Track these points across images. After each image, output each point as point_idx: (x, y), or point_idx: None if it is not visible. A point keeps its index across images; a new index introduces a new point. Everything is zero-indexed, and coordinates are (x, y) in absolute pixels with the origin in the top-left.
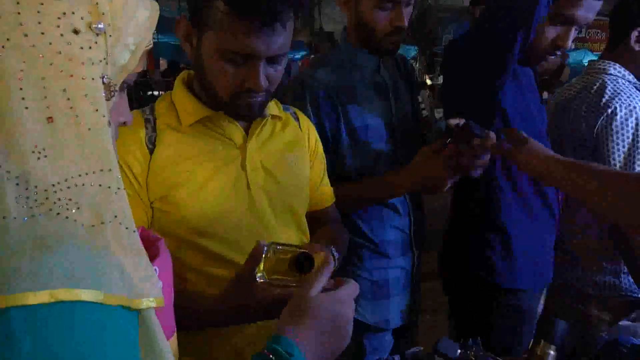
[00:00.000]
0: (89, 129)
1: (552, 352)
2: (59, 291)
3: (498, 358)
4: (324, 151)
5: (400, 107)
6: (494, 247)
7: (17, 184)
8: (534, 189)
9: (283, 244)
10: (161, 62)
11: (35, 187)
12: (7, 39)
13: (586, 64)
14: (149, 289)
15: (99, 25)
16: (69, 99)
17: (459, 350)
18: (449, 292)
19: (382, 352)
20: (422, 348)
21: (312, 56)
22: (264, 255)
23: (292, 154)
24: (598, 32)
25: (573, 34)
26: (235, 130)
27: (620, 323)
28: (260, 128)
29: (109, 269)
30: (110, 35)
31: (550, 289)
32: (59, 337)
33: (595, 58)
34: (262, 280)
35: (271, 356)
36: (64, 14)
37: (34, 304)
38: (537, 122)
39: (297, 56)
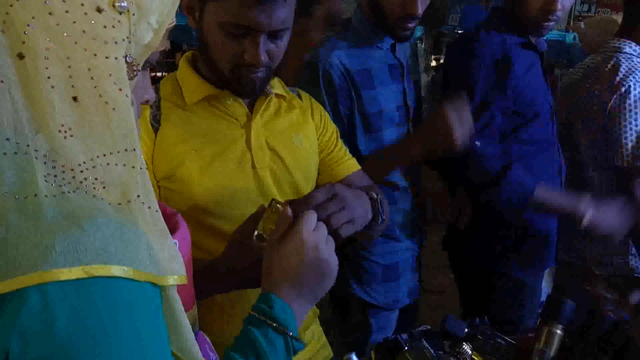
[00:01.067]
0: (114, 109)
1: (558, 332)
2: (92, 267)
3: (505, 337)
4: (338, 136)
5: (411, 89)
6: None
7: (45, 163)
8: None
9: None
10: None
11: (63, 166)
12: (33, 17)
13: None
14: (174, 266)
15: (122, 4)
16: (93, 78)
17: (466, 329)
18: (454, 267)
19: (388, 329)
20: (429, 327)
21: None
22: (264, 215)
23: (298, 134)
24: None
25: None
26: (240, 109)
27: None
28: (264, 106)
29: (138, 246)
30: (133, 14)
31: (557, 268)
32: (93, 312)
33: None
34: (259, 238)
35: (256, 314)
36: None
37: (69, 279)
38: (545, 99)
39: None
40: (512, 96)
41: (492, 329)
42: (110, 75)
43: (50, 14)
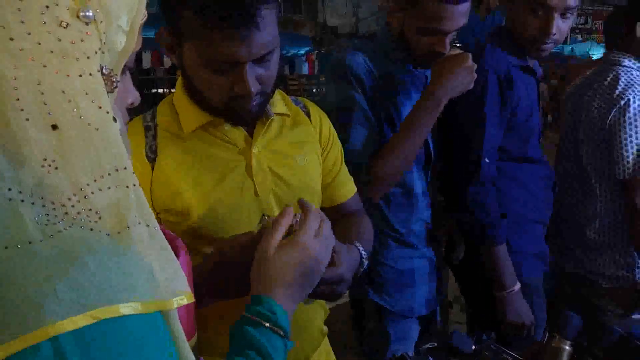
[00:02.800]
0: (96, 129)
1: (567, 348)
2: (98, 310)
3: (512, 353)
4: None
5: None
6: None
7: (33, 203)
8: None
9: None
10: (165, 58)
11: (53, 203)
12: None
13: (593, 56)
14: (178, 285)
15: (87, 13)
16: (69, 100)
17: (473, 345)
18: (458, 280)
19: (409, 340)
20: (436, 344)
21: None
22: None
23: (301, 152)
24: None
25: (557, 20)
26: (239, 134)
27: (633, 316)
28: (264, 129)
29: (141, 275)
30: (101, 22)
31: (562, 279)
32: (108, 355)
33: (601, 49)
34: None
35: (255, 318)
36: (47, 7)
37: (80, 327)
38: (536, 122)
39: (302, 51)
40: (510, 114)
41: (499, 345)
42: (87, 94)
43: (11, 39)
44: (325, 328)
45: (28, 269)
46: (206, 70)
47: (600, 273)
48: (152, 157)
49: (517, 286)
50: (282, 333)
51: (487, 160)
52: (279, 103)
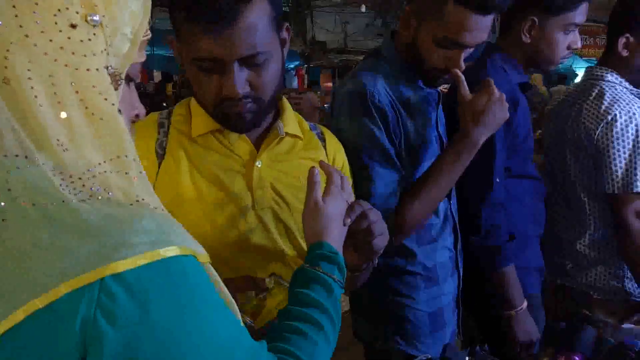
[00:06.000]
0: (101, 119)
1: None
2: (157, 252)
3: None
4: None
5: (442, 118)
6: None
7: (58, 174)
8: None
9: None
10: (155, 73)
11: (71, 176)
12: (11, 42)
13: (576, 70)
14: (199, 248)
15: (95, 17)
16: (77, 92)
17: (467, 358)
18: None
19: None
20: (430, 355)
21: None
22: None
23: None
24: (586, 38)
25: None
26: (244, 146)
27: (623, 326)
28: (272, 145)
29: (177, 229)
30: (107, 26)
31: (554, 291)
32: (175, 288)
33: (584, 63)
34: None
35: (321, 263)
36: (59, 10)
37: (140, 265)
38: (531, 137)
39: (291, 65)
40: (512, 134)
41: (493, 357)
42: (94, 86)
43: (26, 36)
44: None
45: (74, 224)
46: (195, 70)
47: (591, 285)
48: (161, 153)
49: (525, 304)
50: (342, 268)
51: (497, 180)
52: (293, 124)
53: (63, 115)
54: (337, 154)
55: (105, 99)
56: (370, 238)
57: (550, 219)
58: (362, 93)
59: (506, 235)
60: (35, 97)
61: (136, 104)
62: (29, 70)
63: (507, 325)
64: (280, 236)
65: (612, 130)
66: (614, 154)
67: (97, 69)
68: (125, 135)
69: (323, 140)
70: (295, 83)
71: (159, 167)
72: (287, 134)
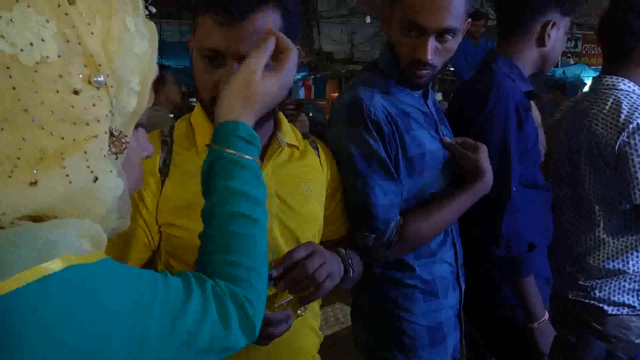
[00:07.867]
0: (81, 188)
1: None
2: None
3: None
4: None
5: (446, 134)
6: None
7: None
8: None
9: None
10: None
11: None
12: (6, 119)
13: (584, 79)
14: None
15: (99, 78)
16: (64, 167)
17: None
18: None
19: None
20: None
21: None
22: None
23: (307, 182)
24: (594, 47)
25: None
26: None
27: (636, 341)
28: (275, 155)
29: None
30: (112, 86)
31: (562, 305)
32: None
33: (592, 72)
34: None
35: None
36: (60, 76)
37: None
38: (537, 144)
39: (298, 76)
40: (524, 142)
41: None
42: (86, 152)
43: (25, 110)
44: (318, 357)
45: None
46: (199, 60)
47: (605, 299)
48: (165, 170)
49: (547, 315)
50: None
51: (514, 189)
52: (290, 135)
53: (32, 184)
54: (331, 163)
55: (88, 167)
56: (314, 288)
57: (558, 227)
58: (359, 106)
59: (526, 245)
60: (14, 168)
61: (146, 145)
62: (20, 149)
63: (529, 337)
64: (286, 242)
65: (635, 139)
66: (638, 162)
67: (96, 136)
68: (103, 205)
69: (316, 148)
70: (302, 93)
71: (162, 185)
72: (287, 144)
